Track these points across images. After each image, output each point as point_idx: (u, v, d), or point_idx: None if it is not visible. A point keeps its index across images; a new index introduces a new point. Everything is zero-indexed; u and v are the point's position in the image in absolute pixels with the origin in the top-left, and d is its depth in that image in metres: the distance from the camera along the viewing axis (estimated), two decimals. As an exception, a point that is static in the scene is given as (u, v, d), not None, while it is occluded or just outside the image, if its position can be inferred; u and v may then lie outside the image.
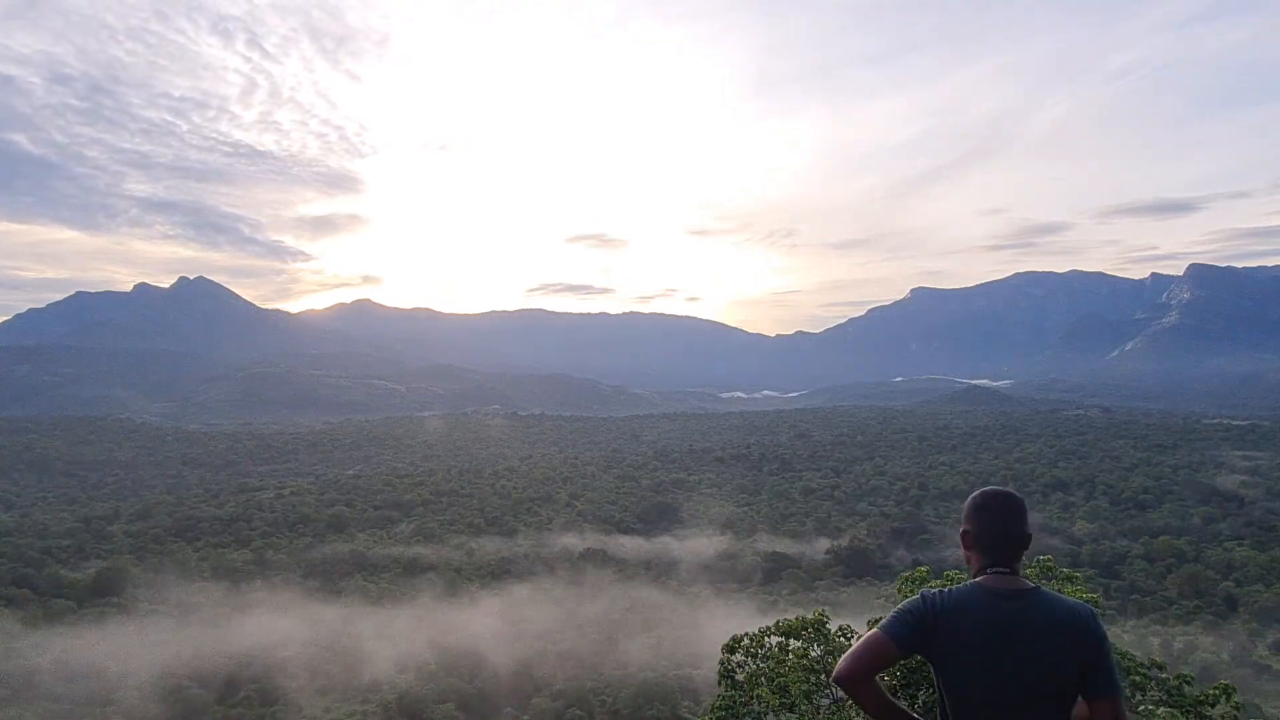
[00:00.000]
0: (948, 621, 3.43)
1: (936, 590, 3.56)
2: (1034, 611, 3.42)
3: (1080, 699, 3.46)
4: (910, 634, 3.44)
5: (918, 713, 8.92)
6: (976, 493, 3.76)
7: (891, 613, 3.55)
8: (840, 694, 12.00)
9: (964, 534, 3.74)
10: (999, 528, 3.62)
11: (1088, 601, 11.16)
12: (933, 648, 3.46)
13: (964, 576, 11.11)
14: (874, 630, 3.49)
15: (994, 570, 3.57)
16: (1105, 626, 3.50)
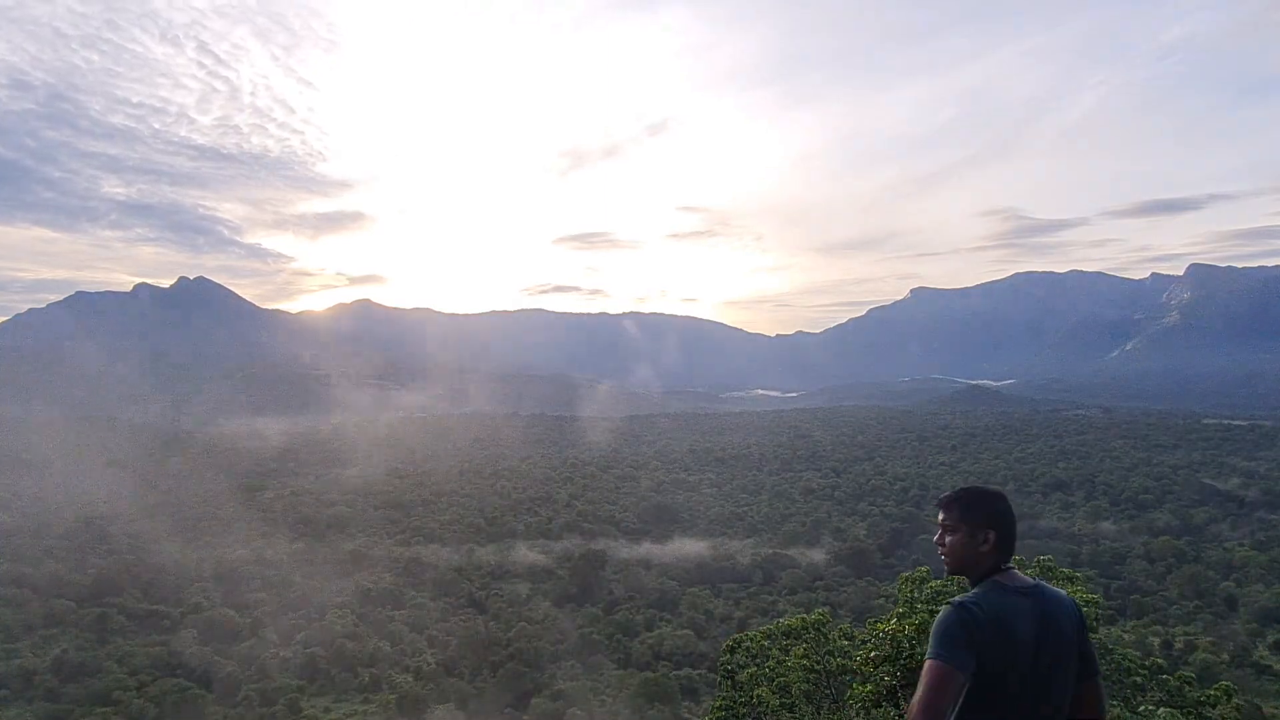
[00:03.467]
0: (993, 627, 3.41)
1: (967, 599, 3.52)
2: (1050, 603, 3.55)
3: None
4: (969, 653, 3.35)
5: None
6: (990, 491, 3.75)
7: (938, 636, 3.41)
8: (840, 694, 12.00)
9: (974, 537, 3.68)
10: (1014, 526, 3.73)
11: (1088, 602, 11.19)
12: (983, 655, 3.41)
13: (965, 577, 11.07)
14: (932, 662, 3.35)
15: (1007, 568, 3.66)
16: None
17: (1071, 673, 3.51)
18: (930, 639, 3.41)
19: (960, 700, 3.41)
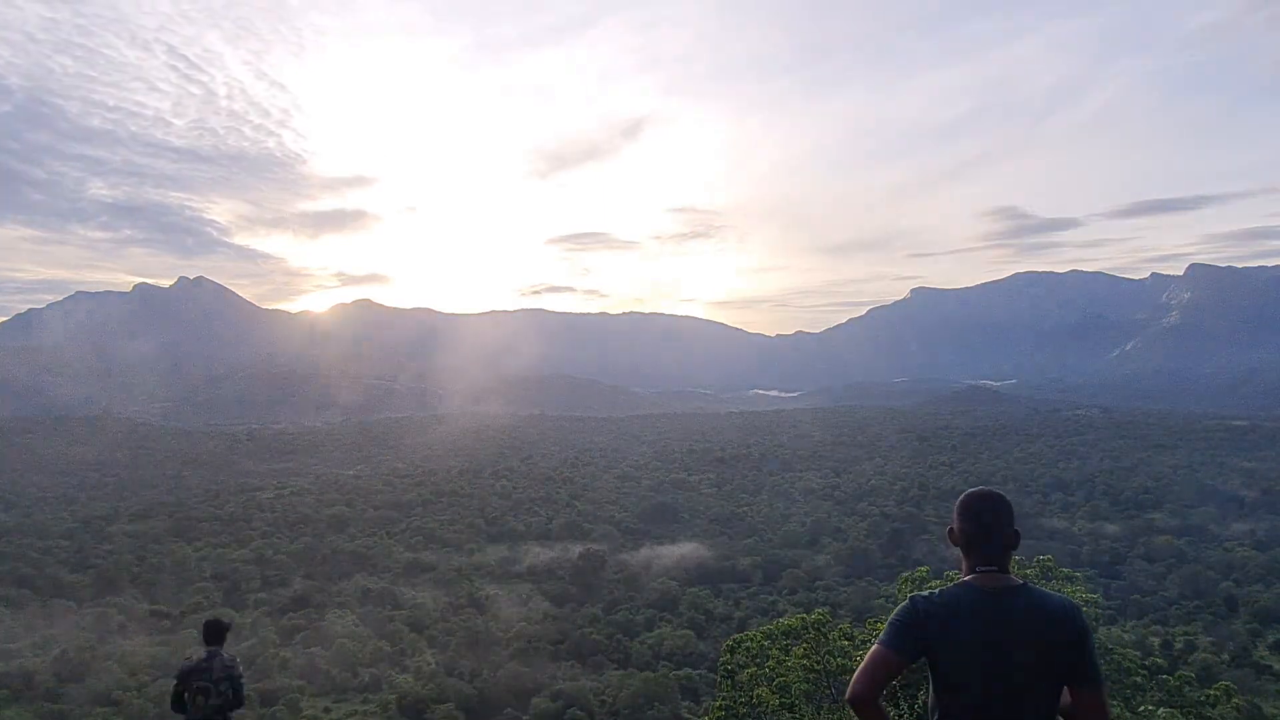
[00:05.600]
0: (940, 621, 3.57)
1: (925, 593, 3.71)
2: (1021, 606, 3.57)
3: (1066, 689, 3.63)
4: (908, 641, 3.57)
5: (919, 713, 8.92)
6: (964, 494, 3.90)
7: (887, 624, 3.68)
8: (839, 694, 12.01)
9: (951, 533, 3.88)
10: (986, 528, 3.76)
11: (1088, 601, 11.19)
12: (930, 649, 3.61)
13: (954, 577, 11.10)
14: (875, 645, 3.63)
15: (983, 569, 3.71)
16: (1106, 627, 3.57)
17: (1036, 675, 3.49)
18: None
19: (933, 691, 3.69)
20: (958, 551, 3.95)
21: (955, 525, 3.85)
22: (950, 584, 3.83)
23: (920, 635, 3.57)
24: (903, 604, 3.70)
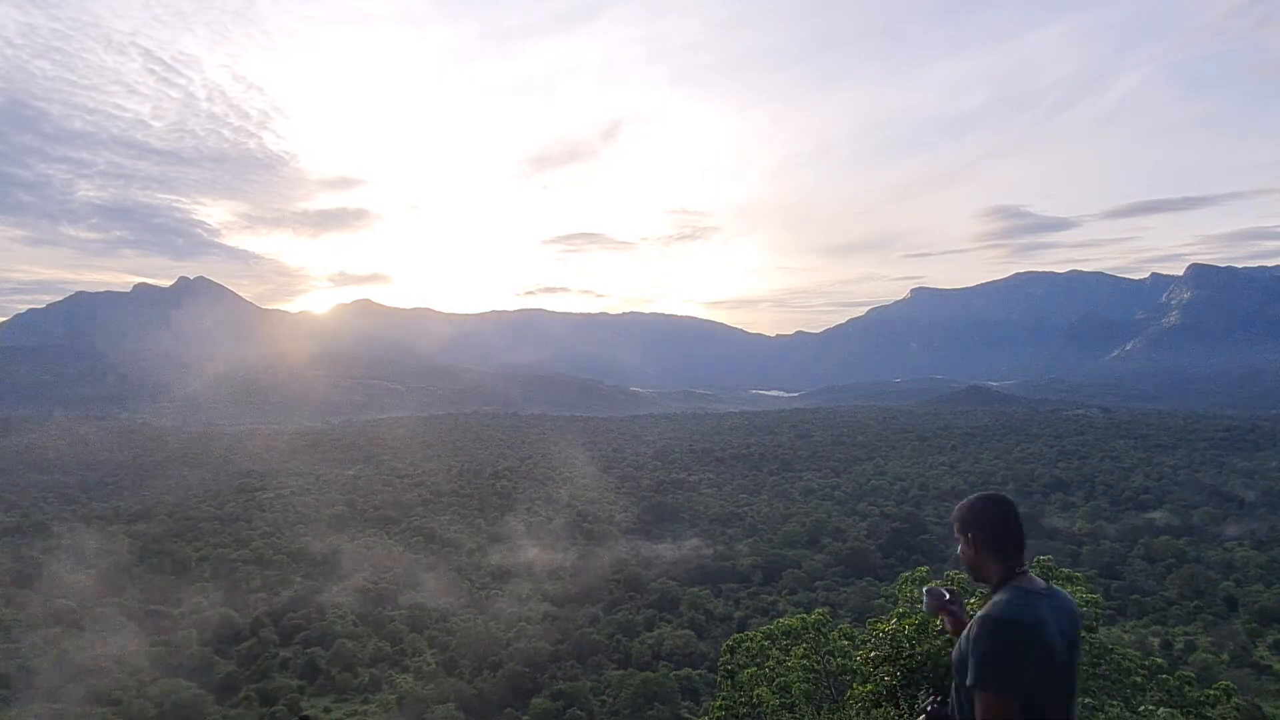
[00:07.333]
0: (1041, 638, 3.28)
1: (1021, 610, 3.33)
2: (1061, 600, 3.49)
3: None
4: (1027, 676, 3.22)
5: (917, 711, 8.91)
6: (989, 499, 3.74)
7: (995, 663, 3.21)
8: (840, 694, 12.00)
9: (975, 539, 3.69)
10: (999, 528, 3.68)
11: (1089, 602, 11.17)
12: (1027, 670, 3.29)
13: (965, 577, 11.09)
14: (991, 695, 3.18)
15: (1022, 571, 3.60)
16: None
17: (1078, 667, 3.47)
18: (979, 662, 3.21)
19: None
20: (955, 550, 3.85)
21: (986, 530, 3.63)
22: (1002, 593, 3.48)
23: (1032, 663, 3.21)
24: (989, 630, 3.23)
